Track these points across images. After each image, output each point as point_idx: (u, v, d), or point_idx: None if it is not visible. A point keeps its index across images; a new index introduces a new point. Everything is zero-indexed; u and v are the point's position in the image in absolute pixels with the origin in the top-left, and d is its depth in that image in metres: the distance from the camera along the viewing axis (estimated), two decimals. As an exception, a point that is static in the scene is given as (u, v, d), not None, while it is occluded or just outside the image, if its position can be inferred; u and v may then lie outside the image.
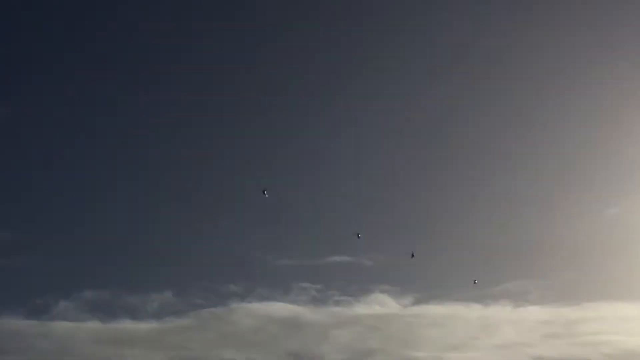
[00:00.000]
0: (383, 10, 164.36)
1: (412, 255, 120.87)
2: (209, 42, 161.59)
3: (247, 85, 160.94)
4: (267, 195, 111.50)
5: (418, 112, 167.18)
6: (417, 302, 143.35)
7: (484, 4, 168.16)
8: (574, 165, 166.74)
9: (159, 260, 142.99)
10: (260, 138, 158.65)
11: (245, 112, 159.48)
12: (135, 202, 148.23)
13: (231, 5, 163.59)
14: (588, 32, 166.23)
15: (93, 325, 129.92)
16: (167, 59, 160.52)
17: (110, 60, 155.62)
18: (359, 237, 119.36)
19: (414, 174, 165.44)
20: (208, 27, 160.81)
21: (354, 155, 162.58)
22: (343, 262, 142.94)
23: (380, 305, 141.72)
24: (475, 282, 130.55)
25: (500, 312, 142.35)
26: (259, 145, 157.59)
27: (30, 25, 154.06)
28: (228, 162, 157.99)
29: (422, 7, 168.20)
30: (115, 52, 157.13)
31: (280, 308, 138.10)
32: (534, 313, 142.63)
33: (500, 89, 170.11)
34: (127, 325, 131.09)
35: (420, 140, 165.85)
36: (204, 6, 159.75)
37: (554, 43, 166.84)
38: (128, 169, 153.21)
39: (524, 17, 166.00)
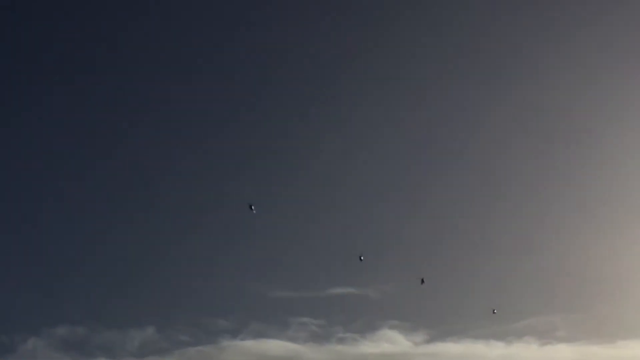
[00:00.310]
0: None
1: (422, 282, 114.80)
2: (206, 47, 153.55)
3: (239, 96, 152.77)
4: (254, 211, 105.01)
5: (431, 130, 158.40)
6: (431, 339, 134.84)
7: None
8: (609, 180, 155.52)
9: (140, 291, 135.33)
10: (253, 155, 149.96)
11: (236, 127, 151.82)
12: (112, 228, 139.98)
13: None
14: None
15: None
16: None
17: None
18: (361, 259, 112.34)
19: (424, 194, 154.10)
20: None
21: (358, 174, 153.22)
22: (347, 294, 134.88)
23: (390, 342, 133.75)
24: (494, 312, 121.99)
25: (525, 351, 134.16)
26: (251, 162, 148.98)
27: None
28: (215, 180, 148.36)
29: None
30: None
31: (276, 346, 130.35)
32: (562, 352, 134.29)
33: (523, 107, 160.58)
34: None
35: (431, 157, 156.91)
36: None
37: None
38: (105, 197, 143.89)
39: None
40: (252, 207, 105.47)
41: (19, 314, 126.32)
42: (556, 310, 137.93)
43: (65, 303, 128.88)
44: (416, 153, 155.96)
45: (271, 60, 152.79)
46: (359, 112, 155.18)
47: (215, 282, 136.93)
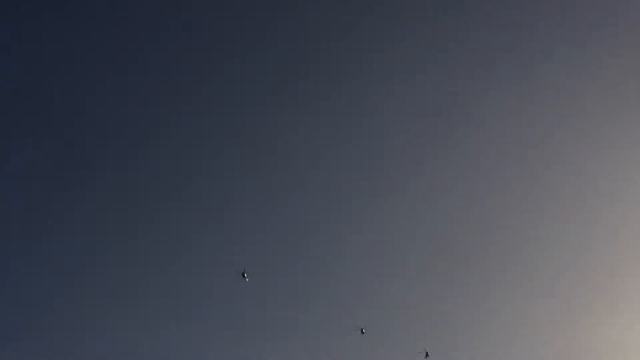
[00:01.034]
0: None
1: (427, 355, 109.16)
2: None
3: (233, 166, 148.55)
4: (247, 280, 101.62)
5: (432, 201, 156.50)
6: None
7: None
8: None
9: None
10: (258, 245, 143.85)
11: (238, 207, 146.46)
12: (110, 315, 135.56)
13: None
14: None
15: None
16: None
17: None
18: (362, 332, 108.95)
19: (436, 271, 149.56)
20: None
21: (365, 254, 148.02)
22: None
23: None
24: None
25: None
26: (256, 248, 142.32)
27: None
28: (222, 265, 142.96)
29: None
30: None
31: None
32: None
33: (530, 164, 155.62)
34: None
35: (436, 231, 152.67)
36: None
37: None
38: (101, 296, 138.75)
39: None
40: (245, 275, 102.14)
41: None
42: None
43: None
44: (422, 235, 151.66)
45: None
46: (362, 189, 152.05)
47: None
